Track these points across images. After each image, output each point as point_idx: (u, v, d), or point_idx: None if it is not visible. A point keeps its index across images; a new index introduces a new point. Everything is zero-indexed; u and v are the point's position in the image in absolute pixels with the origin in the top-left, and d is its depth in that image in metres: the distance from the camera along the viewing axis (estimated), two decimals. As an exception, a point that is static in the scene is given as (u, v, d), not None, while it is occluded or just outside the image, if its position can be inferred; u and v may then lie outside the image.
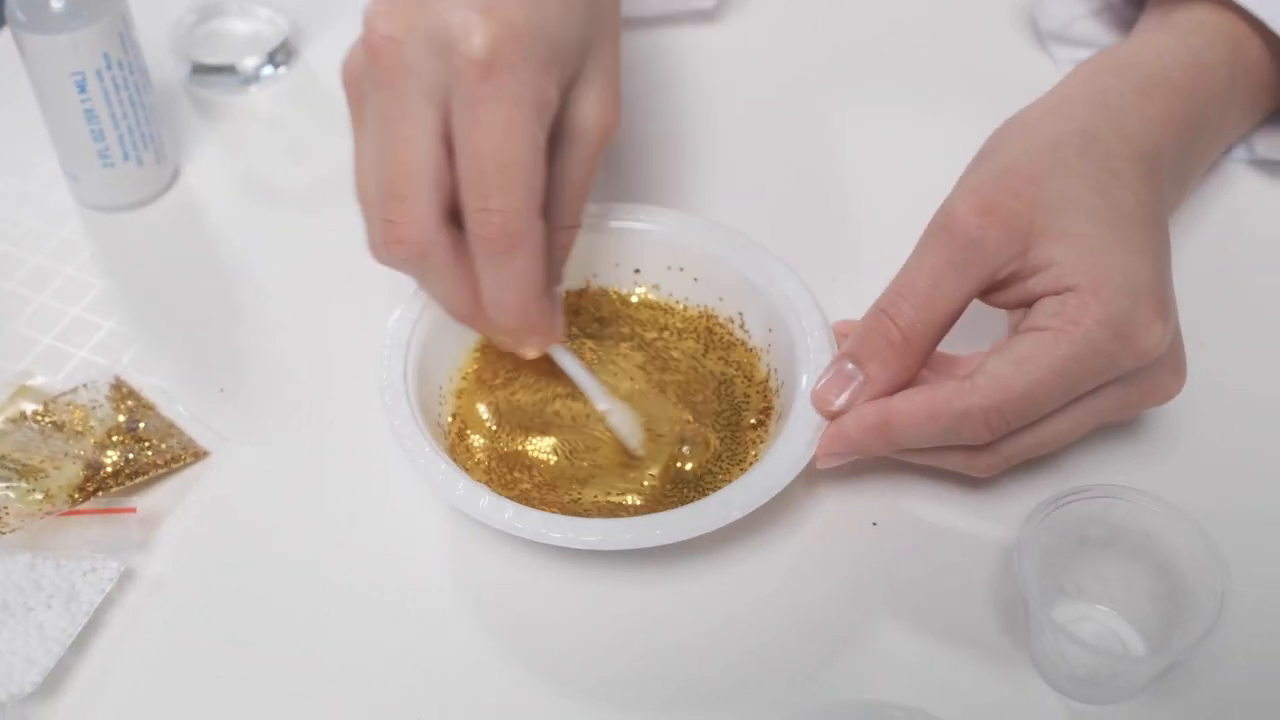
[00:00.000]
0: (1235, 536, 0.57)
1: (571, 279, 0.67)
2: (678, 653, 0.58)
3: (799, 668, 0.57)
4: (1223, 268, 0.71)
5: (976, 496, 0.62)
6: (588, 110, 0.58)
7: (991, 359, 0.56)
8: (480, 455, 0.62)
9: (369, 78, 0.56)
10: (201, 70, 0.78)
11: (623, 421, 0.62)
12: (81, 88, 0.67)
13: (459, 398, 0.63)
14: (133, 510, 0.60)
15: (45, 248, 0.72)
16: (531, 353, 0.60)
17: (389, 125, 0.55)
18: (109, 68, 0.67)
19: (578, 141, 0.58)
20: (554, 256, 0.59)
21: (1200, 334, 0.62)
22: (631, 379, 0.64)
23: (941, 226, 0.58)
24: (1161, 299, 0.56)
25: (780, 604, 0.59)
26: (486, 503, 0.56)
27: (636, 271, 0.67)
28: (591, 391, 0.62)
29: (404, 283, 0.63)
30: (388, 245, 0.56)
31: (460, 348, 0.64)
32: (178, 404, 0.65)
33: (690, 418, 0.63)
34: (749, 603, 0.59)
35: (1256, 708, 0.56)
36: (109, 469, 0.61)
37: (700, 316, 0.67)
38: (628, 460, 0.62)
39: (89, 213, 0.74)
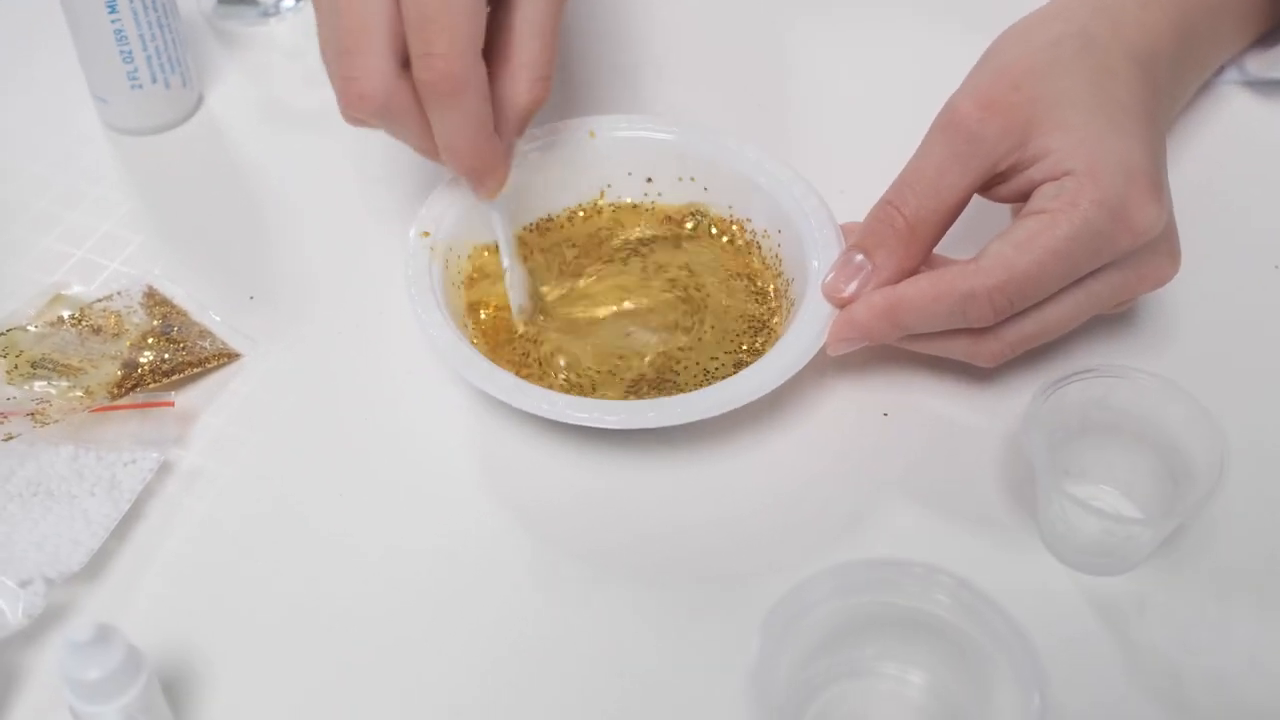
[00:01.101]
0: (1231, 415, 0.59)
1: (586, 189, 0.70)
2: (696, 531, 0.60)
3: (814, 542, 0.60)
4: (1216, 182, 0.73)
5: (983, 389, 0.64)
6: None
7: (994, 242, 0.59)
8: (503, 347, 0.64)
9: None
10: (224, 2, 0.81)
11: (516, 283, 0.65)
12: (112, 8, 0.69)
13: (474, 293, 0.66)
14: (170, 403, 0.62)
15: (75, 169, 0.74)
16: (485, 194, 0.63)
17: None
18: (138, -12, 0.70)
19: None
20: (520, 106, 0.61)
21: (1193, 245, 0.64)
22: (646, 286, 0.67)
23: (945, 121, 0.61)
24: (1156, 181, 0.59)
25: (795, 486, 0.61)
26: (510, 383, 0.59)
27: (649, 180, 0.70)
28: (503, 249, 0.65)
29: (420, 193, 0.65)
30: (350, 101, 0.58)
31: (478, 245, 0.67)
32: (209, 310, 0.67)
33: (703, 321, 0.65)
34: (765, 484, 0.61)
35: (1251, 574, 0.58)
36: (145, 367, 0.63)
37: (710, 221, 0.69)
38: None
39: (116, 136, 0.76)
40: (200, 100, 0.77)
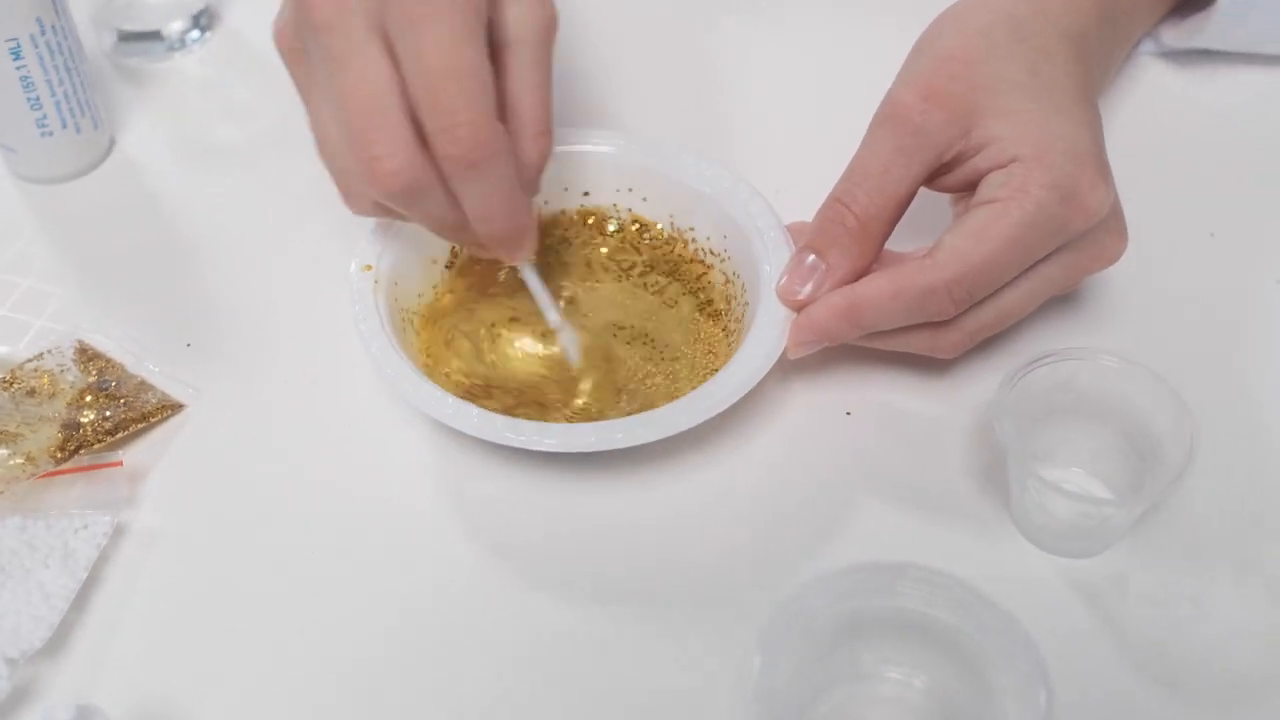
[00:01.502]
0: (1182, 383, 0.59)
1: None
2: (672, 550, 0.59)
3: (792, 551, 0.59)
4: (1140, 154, 0.73)
5: (939, 380, 0.64)
6: (522, 11, 0.57)
7: (948, 235, 0.59)
8: (456, 378, 0.63)
9: (307, 32, 0.56)
10: (127, 38, 0.78)
11: (569, 339, 0.63)
12: (16, 54, 0.66)
13: (424, 330, 0.64)
14: (119, 463, 0.60)
15: (-15, 223, 0.72)
16: (516, 259, 0.61)
17: (341, 68, 0.55)
18: (43, 32, 0.67)
19: (524, 44, 0.57)
20: (531, 165, 0.59)
21: (1127, 219, 0.65)
22: (589, 305, 0.66)
23: (887, 115, 0.60)
24: (1102, 161, 0.59)
25: (765, 494, 0.61)
26: (477, 416, 0.57)
27: (585, 194, 0.68)
28: (546, 307, 0.63)
29: (351, 223, 0.63)
30: (377, 181, 0.55)
31: (424, 284, 0.65)
32: (146, 361, 0.64)
33: (650, 337, 0.65)
34: (734, 495, 0.61)
35: (1221, 543, 0.59)
36: (87, 427, 0.61)
37: (653, 234, 0.68)
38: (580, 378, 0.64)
39: (26, 186, 0.73)
40: (112, 143, 0.74)
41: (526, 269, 0.63)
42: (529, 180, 0.59)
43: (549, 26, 0.58)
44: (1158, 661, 0.56)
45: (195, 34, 0.79)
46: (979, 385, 0.64)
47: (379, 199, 0.57)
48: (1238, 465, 0.61)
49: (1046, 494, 0.56)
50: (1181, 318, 0.67)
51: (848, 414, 0.63)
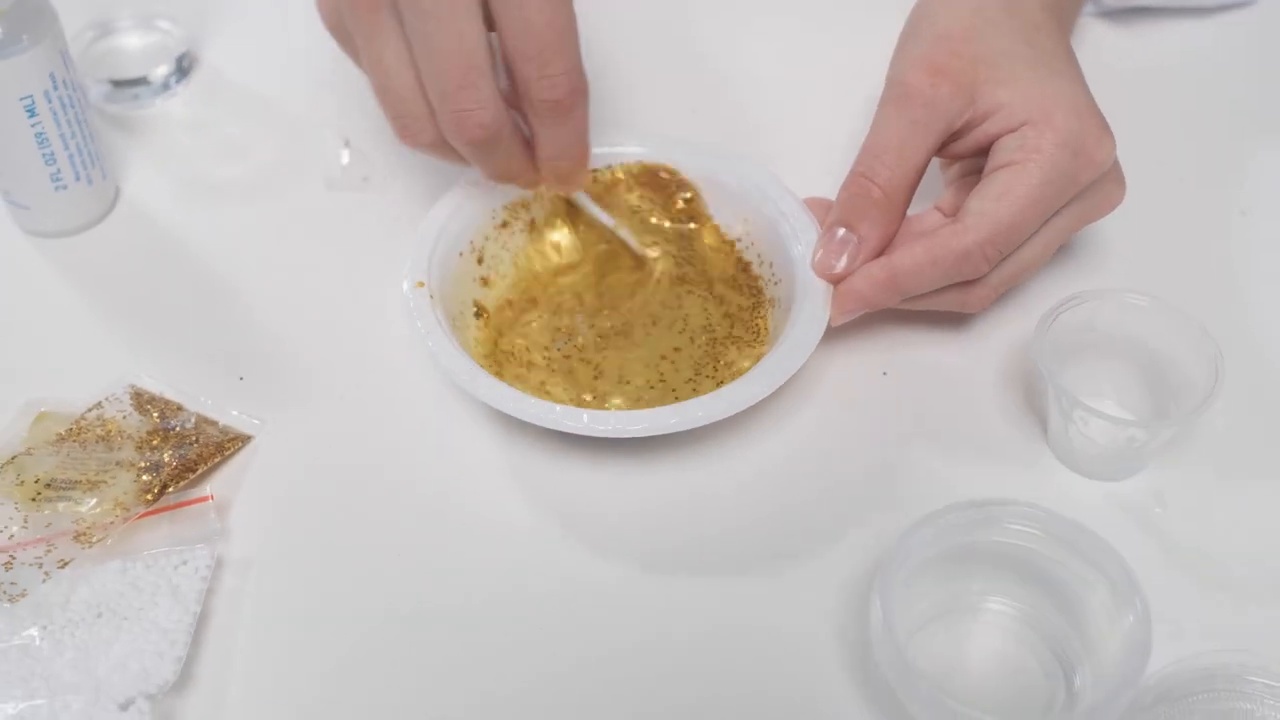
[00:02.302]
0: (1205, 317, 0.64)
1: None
2: (745, 514, 0.63)
3: (853, 509, 0.63)
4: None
5: (964, 334, 0.69)
6: None
7: (972, 200, 0.63)
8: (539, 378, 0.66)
9: None
10: (115, 85, 0.78)
11: (627, 234, 0.70)
12: (31, 111, 0.67)
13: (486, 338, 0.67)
14: (209, 498, 0.61)
15: (7, 283, 0.72)
16: (575, 189, 0.68)
17: (439, 21, 0.59)
18: (55, 87, 0.67)
19: None
20: None
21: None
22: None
23: (898, 93, 0.65)
24: (1100, 116, 0.64)
25: (817, 459, 0.65)
26: (562, 413, 0.60)
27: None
28: (602, 215, 0.69)
29: (366, 242, 0.65)
30: (465, 132, 0.60)
31: (468, 297, 0.68)
32: (203, 397, 0.66)
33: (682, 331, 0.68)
34: (789, 463, 0.64)
35: (1241, 452, 0.65)
36: (168, 468, 0.62)
37: (673, 227, 0.71)
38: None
39: (40, 241, 0.73)
40: (118, 191, 0.75)
41: (582, 196, 0.69)
42: None
43: None
44: (1200, 561, 0.61)
45: (178, 77, 0.79)
46: (997, 335, 0.69)
47: (460, 148, 0.62)
48: (1243, 378, 0.66)
49: (1092, 422, 0.61)
50: (1170, 254, 0.72)
51: (884, 374, 0.67)
